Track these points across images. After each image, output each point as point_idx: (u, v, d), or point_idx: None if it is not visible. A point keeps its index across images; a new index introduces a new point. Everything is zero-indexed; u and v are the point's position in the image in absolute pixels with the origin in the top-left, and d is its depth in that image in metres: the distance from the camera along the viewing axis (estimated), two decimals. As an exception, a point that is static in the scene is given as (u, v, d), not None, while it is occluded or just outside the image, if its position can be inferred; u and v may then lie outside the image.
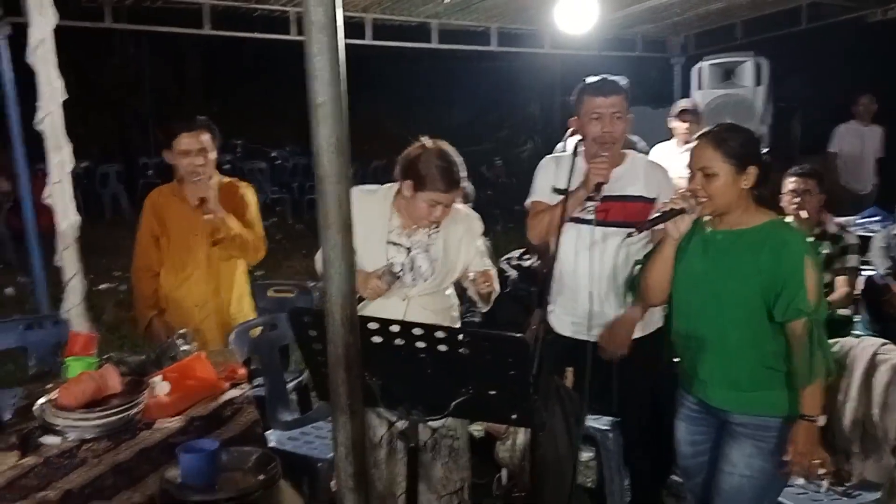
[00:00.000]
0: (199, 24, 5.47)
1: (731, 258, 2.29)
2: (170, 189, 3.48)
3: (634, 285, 2.53)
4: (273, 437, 3.21)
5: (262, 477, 1.94)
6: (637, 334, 2.92)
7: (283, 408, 3.37)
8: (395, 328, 1.89)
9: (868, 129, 7.10)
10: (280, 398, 3.38)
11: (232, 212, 3.40)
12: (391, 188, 2.74)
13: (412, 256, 2.70)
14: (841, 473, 2.72)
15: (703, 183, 2.27)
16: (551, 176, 3.01)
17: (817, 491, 2.70)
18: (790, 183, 3.95)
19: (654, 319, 2.93)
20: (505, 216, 9.21)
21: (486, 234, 2.94)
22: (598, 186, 2.71)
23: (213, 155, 3.36)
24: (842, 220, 4.47)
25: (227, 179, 3.54)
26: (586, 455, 3.59)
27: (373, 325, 1.90)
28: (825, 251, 3.90)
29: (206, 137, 3.32)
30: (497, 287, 2.73)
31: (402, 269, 2.68)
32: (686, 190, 2.32)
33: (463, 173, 2.64)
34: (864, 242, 4.40)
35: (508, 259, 3.97)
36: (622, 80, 2.91)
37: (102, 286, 7.36)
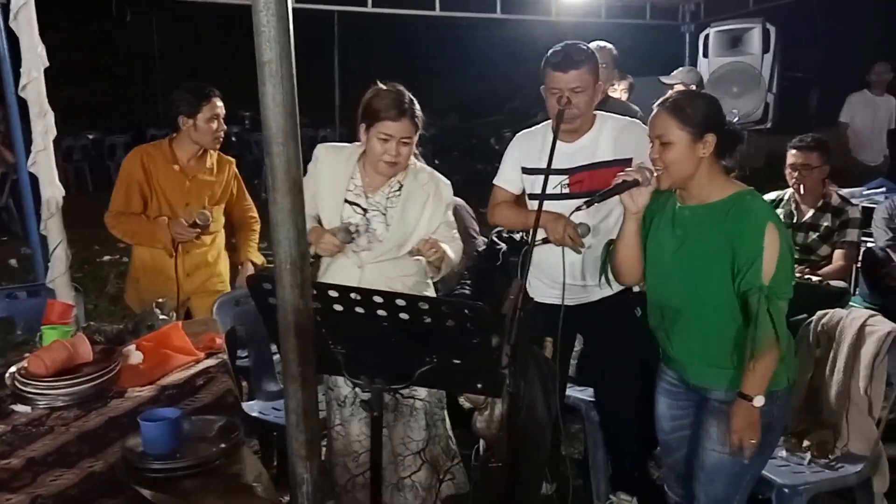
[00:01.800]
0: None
1: (700, 234, 2.20)
2: (158, 151, 3.36)
3: (606, 264, 2.45)
4: (257, 407, 3.21)
5: (223, 445, 1.91)
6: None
7: (267, 378, 3.35)
8: (355, 296, 1.85)
9: (882, 100, 6.87)
10: (265, 368, 3.37)
11: (231, 190, 3.55)
12: (359, 146, 2.69)
13: (368, 218, 2.66)
14: (825, 446, 2.68)
15: (659, 152, 2.18)
16: (521, 155, 2.88)
17: (800, 463, 2.66)
18: (789, 156, 3.86)
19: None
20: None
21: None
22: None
23: None
24: (846, 191, 4.37)
25: (216, 153, 3.51)
26: (575, 426, 3.56)
27: (333, 293, 1.86)
28: (825, 224, 3.81)
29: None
30: (451, 255, 2.66)
31: (356, 231, 2.63)
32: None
33: (417, 110, 2.58)
34: (869, 214, 4.30)
35: (499, 232, 3.90)
36: (590, 47, 2.76)
37: (106, 258, 7.38)
